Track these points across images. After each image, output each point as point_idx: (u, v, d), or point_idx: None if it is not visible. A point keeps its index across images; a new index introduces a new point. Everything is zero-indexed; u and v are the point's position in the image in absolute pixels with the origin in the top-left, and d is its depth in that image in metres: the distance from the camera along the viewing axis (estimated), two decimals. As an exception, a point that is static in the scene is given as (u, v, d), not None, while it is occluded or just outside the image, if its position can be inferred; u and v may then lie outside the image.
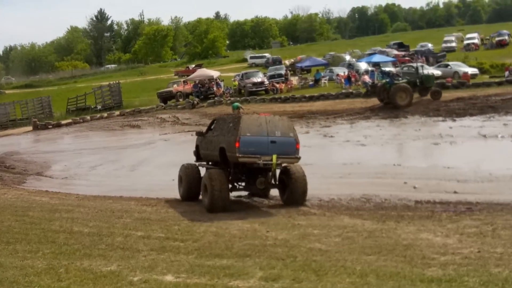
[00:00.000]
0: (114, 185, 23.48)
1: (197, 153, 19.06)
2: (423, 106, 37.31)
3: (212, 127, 18.06)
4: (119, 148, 35.48)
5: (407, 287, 8.74)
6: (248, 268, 10.33)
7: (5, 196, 21.34)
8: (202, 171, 18.10)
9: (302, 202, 16.37)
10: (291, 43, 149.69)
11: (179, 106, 52.46)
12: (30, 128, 52.63)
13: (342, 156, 25.00)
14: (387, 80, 40.23)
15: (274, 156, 15.46)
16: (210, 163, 18.19)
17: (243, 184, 17.05)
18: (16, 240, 14.04)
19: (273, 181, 16.69)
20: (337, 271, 9.81)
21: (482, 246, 10.99)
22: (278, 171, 16.69)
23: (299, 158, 16.26)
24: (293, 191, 16.30)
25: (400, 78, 40.53)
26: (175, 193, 19.79)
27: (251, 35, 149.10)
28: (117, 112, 54.58)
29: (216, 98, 52.48)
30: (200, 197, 17.38)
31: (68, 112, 58.85)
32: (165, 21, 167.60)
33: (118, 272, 10.62)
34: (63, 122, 53.15)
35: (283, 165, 16.49)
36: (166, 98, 56.49)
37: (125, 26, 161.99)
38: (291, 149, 15.98)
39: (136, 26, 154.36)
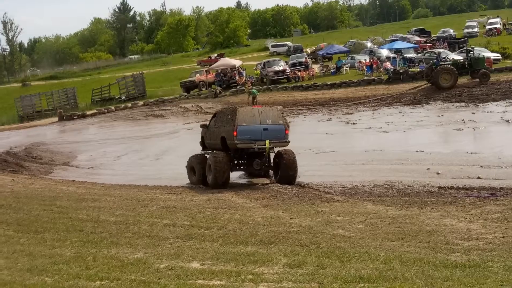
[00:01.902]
0: (139, 174, 23.70)
1: (203, 143, 21.20)
2: (445, 92, 37.04)
3: (214, 119, 20.20)
4: (143, 138, 35.72)
5: (431, 272, 8.78)
6: (273, 255, 10.44)
7: (32, 186, 21.63)
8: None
9: (293, 181, 18.46)
10: (312, 31, 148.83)
11: (202, 96, 52.57)
12: (56, 119, 53.03)
13: (365, 143, 24.97)
14: (435, 61, 40.27)
15: (267, 141, 18.10)
16: (214, 151, 20.19)
17: (242, 166, 19.69)
18: (45, 229, 14.28)
19: (267, 163, 19.08)
20: (360, 257, 9.88)
21: (506, 231, 10.99)
22: (272, 155, 19.09)
23: (288, 142, 18.70)
24: (285, 172, 18.51)
25: (449, 60, 40.42)
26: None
27: (272, 23, 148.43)
28: (141, 102, 54.79)
29: (238, 87, 52.48)
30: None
31: (93, 103, 59.15)
32: (187, 11, 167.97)
33: (144, 260, 10.79)
34: (88, 112, 53.47)
35: (276, 149, 18.92)
36: (189, 87, 56.58)
37: (147, 17, 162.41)
38: (281, 135, 18.42)
39: (158, 17, 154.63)
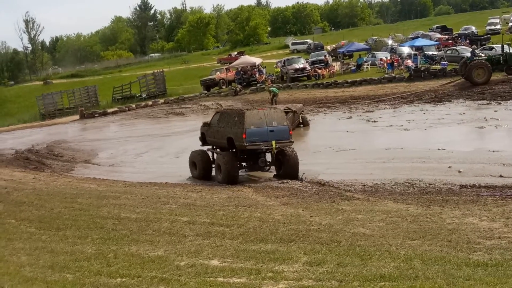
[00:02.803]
0: (160, 171, 23.79)
1: (203, 139, 22.53)
2: (467, 90, 36.75)
3: (217, 119, 21.44)
4: (164, 136, 35.84)
5: (453, 271, 8.73)
6: (293, 252, 10.43)
7: (54, 183, 21.81)
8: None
9: (296, 176, 19.71)
10: (333, 28, 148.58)
11: (222, 94, 52.64)
12: (77, 117, 53.39)
13: (385, 141, 24.82)
14: (468, 56, 39.98)
15: (274, 142, 19.41)
16: (214, 147, 21.99)
17: (248, 164, 21.10)
18: (66, 226, 14.40)
19: (270, 160, 20.61)
20: (381, 255, 9.84)
21: (528, 230, 10.89)
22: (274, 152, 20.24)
23: (292, 142, 20.17)
24: (288, 167, 19.93)
25: (483, 55, 40.12)
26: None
27: (292, 21, 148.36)
28: (162, 100, 54.99)
29: (258, 84, 52.48)
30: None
31: (113, 101, 59.44)
32: (207, 9, 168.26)
33: (165, 257, 10.84)
34: (109, 110, 53.77)
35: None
36: (209, 85, 56.70)
37: (168, 15, 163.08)
38: (286, 135, 19.75)
39: (178, 15, 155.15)
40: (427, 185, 16.55)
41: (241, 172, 21.32)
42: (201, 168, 21.45)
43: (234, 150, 20.59)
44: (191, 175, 22.04)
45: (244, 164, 21.03)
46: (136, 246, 11.93)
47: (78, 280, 9.90)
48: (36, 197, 18.79)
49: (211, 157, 21.91)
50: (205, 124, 22.43)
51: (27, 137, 42.19)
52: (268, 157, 20.74)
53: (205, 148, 22.38)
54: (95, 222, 14.55)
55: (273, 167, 21.05)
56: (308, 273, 9.24)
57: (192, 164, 21.94)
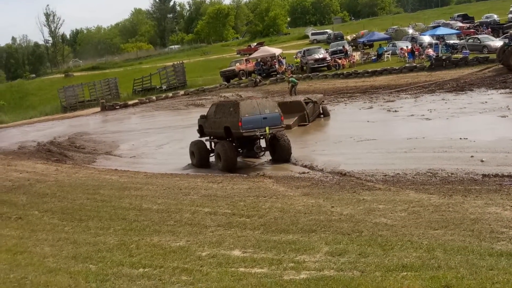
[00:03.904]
0: (180, 163, 23.86)
1: (200, 131, 24.08)
2: (489, 79, 36.37)
3: (214, 111, 22.96)
4: (184, 127, 35.81)
5: (476, 261, 8.67)
6: (314, 243, 10.42)
7: (76, 175, 21.98)
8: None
9: (288, 159, 21.55)
10: (353, 18, 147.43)
11: (242, 85, 52.65)
12: (98, 109, 53.73)
13: (407, 131, 24.64)
14: (506, 41, 39.43)
15: (267, 128, 20.99)
16: (212, 137, 23.52)
17: (244, 150, 22.62)
18: (88, 217, 14.53)
19: (265, 146, 22.19)
20: (403, 245, 9.79)
21: (552, 220, 10.77)
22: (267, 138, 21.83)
23: (284, 127, 22.05)
24: (281, 152, 21.71)
25: None
26: (240, 170, 20.85)
27: (312, 11, 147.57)
28: (182, 92, 55.14)
29: (278, 75, 52.41)
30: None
31: (134, 93, 59.73)
32: (227, 1, 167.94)
33: (187, 248, 10.89)
34: (130, 102, 54.04)
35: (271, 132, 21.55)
36: (229, 77, 56.72)
37: (187, 6, 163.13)
38: (278, 121, 21.36)
39: (198, 7, 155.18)
40: (449, 174, 16.40)
41: (238, 159, 22.56)
42: (199, 156, 22.90)
43: (231, 138, 22.07)
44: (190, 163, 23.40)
45: (240, 150, 22.54)
46: (158, 236, 12.00)
47: (101, 271, 9.98)
48: (59, 189, 18.97)
49: (208, 147, 23.50)
50: (202, 117, 23.97)
51: (49, 129, 42.57)
52: (263, 143, 22.23)
53: (203, 138, 23.82)
54: (117, 213, 14.66)
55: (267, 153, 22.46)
56: (330, 263, 9.23)
57: (191, 153, 23.37)
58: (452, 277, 7.99)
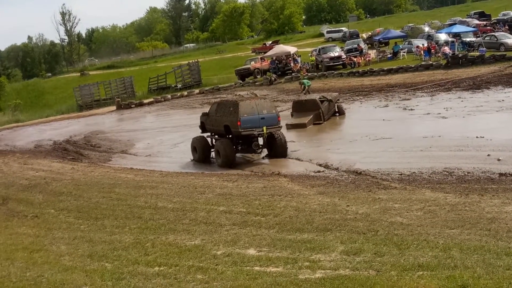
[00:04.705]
0: (195, 161, 23.97)
1: (202, 127, 25.19)
2: (506, 76, 36.07)
3: (215, 109, 24.06)
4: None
5: (492, 261, 8.61)
6: (329, 242, 10.40)
7: (92, 173, 22.08)
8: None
9: (285, 155, 22.70)
10: (368, 16, 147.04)
11: (257, 83, 52.61)
12: (114, 107, 53.91)
13: (423, 129, 24.51)
14: None
15: (265, 128, 21.96)
16: (213, 134, 24.53)
17: (243, 148, 23.45)
18: (104, 215, 14.59)
19: (262, 144, 23.05)
20: (419, 244, 9.75)
21: None
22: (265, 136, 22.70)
23: (281, 127, 22.98)
24: (277, 148, 22.78)
25: None
26: (255, 169, 20.91)
27: (327, 9, 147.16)
28: (197, 90, 55.20)
29: (293, 74, 52.31)
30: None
31: (149, 91, 59.88)
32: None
33: (202, 246, 10.91)
34: (145, 101, 54.18)
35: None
36: (244, 75, 56.68)
37: (202, 5, 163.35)
38: (275, 121, 22.35)
39: (213, 5, 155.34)
40: (466, 173, 16.30)
41: (238, 154, 23.54)
42: (200, 152, 24.00)
43: (230, 136, 23.03)
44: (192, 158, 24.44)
45: (239, 147, 23.44)
46: (173, 235, 12.03)
47: (117, 269, 10.02)
48: (74, 187, 19.07)
49: (209, 143, 24.46)
50: (204, 114, 25.17)
51: (65, 128, 42.78)
52: (260, 141, 22.97)
53: (204, 134, 24.91)
54: (132, 212, 14.72)
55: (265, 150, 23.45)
56: (345, 262, 9.20)
57: (193, 148, 24.42)
58: (468, 276, 7.94)
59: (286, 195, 15.30)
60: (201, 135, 24.85)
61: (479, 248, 9.25)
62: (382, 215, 12.14)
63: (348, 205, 13.34)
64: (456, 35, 52.89)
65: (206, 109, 27.55)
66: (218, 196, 15.81)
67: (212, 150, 24.10)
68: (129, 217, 14.16)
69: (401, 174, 17.02)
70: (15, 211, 16.54)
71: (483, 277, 7.90)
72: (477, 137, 21.12)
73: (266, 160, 22.93)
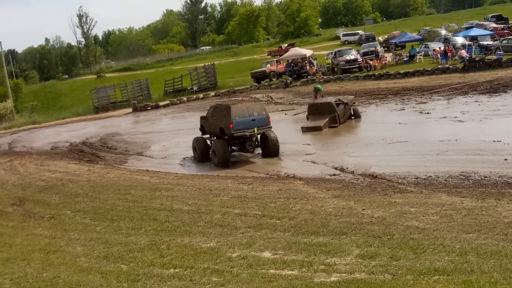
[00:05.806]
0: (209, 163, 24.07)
1: (202, 129, 26.72)
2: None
3: (211, 112, 25.49)
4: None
5: (509, 266, 8.55)
6: (345, 245, 10.37)
7: (108, 175, 22.19)
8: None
9: (277, 154, 24.19)
10: (385, 19, 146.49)
11: (272, 86, 52.59)
12: (130, 109, 54.14)
13: (439, 133, 24.38)
14: None
15: (256, 129, 23.44)
16: (211, 135, 25.99)
17: (237, 148, 24.90)
18: (120, 217, 14.66)
19: (255, 143, 24.57)
20: (435, 249, 9.70)
21: None
22: (258, 136, 24.27)
23: (271, 127, 24.18)
24: (270, 147, 24.21)
25: None
26: (270, 172, 20.79)
27: (343, 12, 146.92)
28: (213, 93, 55.30)
29: (309, 77, 52.24)
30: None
31: (165, 94, 60.04)
32: (258, 2, 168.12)
33: (217, 249, 10.93)
34: (161, 103, 54.35)
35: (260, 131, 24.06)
36: (259, 78, 56.69)
37: (218, 8, 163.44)
38: (265, 122, 23.82)
39: (229, 8, 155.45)
40: (482, 177, 16.19)
41: (235, 154, 24.89)
42: (199, 151, 25.42)
43: (225, 137, 24.26)
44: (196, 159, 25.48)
45: (234, 148, 24.87)
46: (188, 237, 12.05)
47: (132, 271, 10.06)
48: (91, 189, 19.18)
49: (208, 143, 25.82)
50: (202, 117, 26.84)
51: (81, 130, 43.04)
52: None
53: (205, 136, 26.30)
54: (148, 214, 14.77)
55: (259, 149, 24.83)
56: (361, 266, 9.17)
57: (194, 149, 25.89)
58: (485, 281, 7.89)
59: (302, 198, 15.27)
60: (200, 136, 26.33)
61: (496, 253, 9.18)
62: (398, 219, 12.09)
63: (364, 209, 13.30)
64: (473, 39, 52.60)
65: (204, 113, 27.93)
66: (233, 199, 15.82)
67: (210, 150, 25.18)
68: (144, 219, 14.22)
69: (417, 178, 16.94)
70: (31, 212, 16.67)
71: (500, 282, 7.85)
72: (494, 141, 20.98)
73: (282, 162, 23.04)
